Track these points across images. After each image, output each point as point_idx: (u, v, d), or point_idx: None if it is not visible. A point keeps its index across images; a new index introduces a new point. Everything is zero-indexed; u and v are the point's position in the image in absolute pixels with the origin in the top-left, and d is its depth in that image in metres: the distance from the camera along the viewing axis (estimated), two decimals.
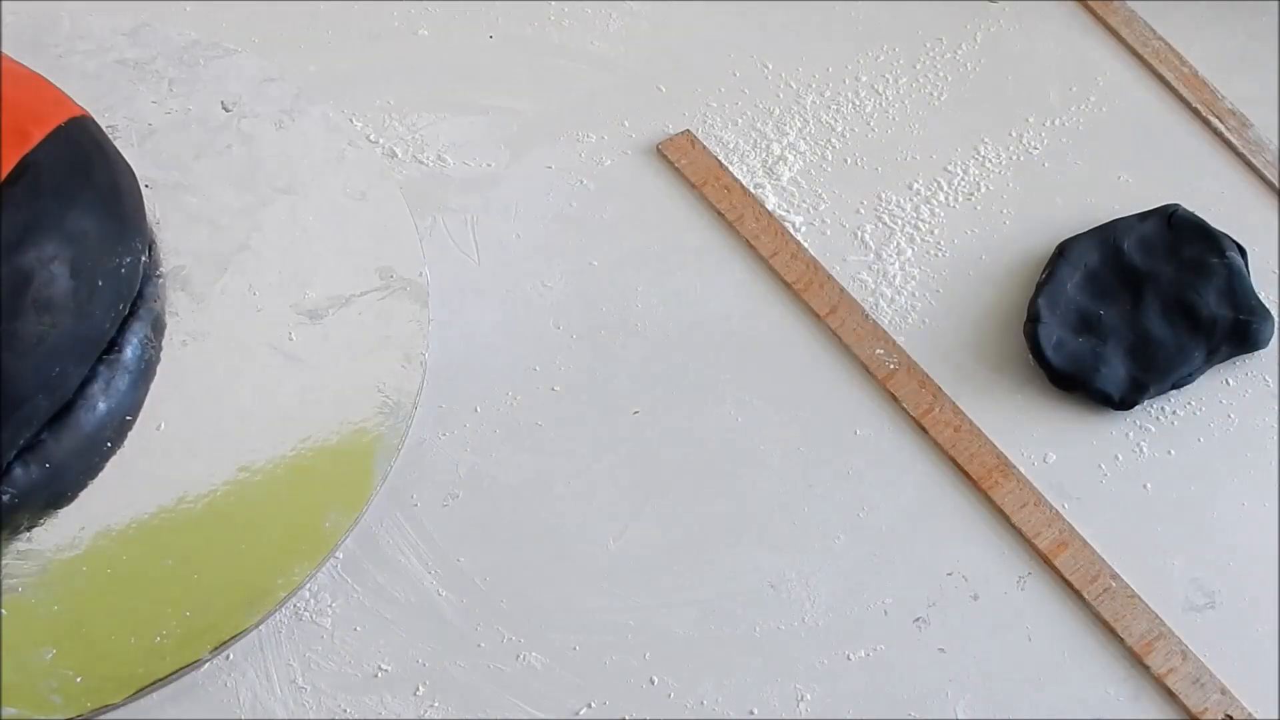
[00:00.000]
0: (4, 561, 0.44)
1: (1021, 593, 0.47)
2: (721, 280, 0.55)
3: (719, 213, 0.57)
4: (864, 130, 0.61)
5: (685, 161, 0.58)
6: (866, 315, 0.54)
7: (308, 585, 0.45)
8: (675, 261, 0.55)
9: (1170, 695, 0.44)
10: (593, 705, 0.43)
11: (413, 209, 0.54)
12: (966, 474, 0.49)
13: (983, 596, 0.47)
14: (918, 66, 0.63)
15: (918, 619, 0.46)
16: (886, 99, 0.62)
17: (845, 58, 0.63)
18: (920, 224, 0.57)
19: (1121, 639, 0.45)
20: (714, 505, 0.48)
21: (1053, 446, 0.50)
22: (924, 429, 0.50)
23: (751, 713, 0.43)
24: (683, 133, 0.59)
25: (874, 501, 0.49)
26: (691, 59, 0.63)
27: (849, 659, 0.45)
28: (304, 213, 0.54)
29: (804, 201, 0.57)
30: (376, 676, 0.43)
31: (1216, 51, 0.64)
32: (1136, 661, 0.45)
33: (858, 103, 0.62)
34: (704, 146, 0.59)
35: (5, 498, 0.45)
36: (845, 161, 0.59)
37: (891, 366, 0.52)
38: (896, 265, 0.56)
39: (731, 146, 0.59)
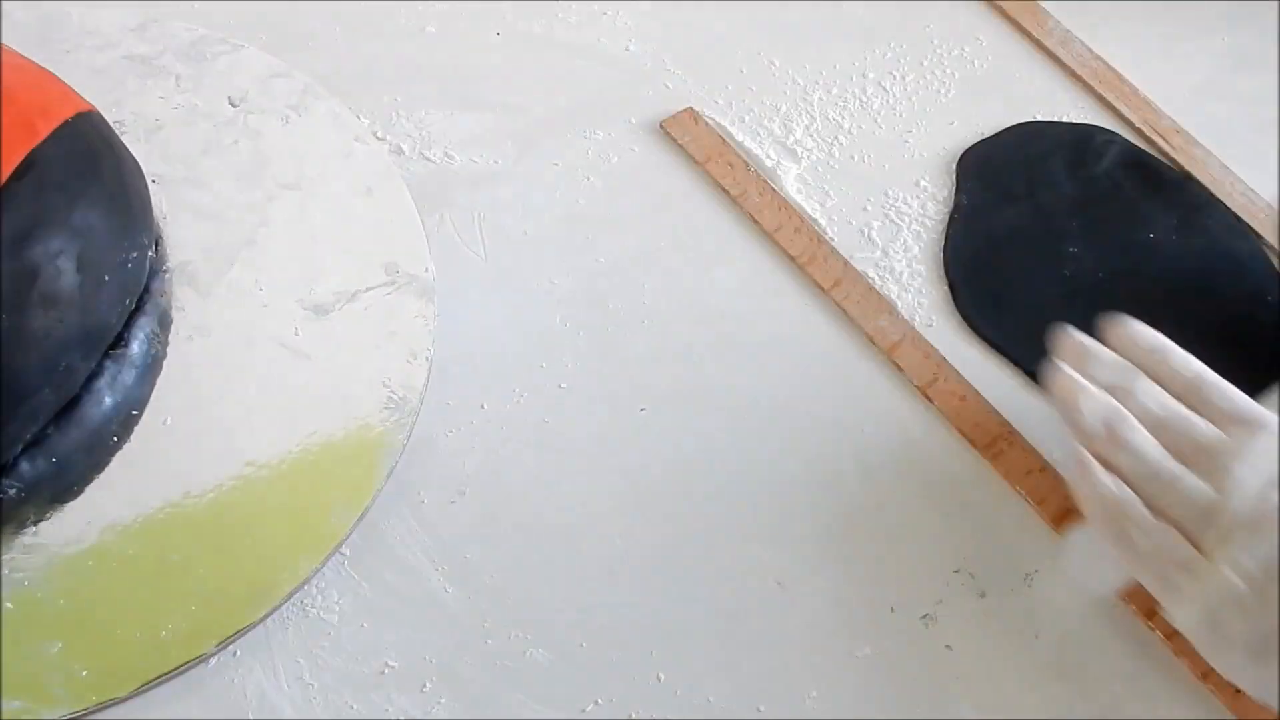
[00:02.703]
0: (10, 555, 0.44)
1: (1029, 590, 0.46)
2: (727, 264, 0.55)
3: (724, 190, 0.57)
4: (871, 127, 0.60)
5: (689, 139, 0.58)
6: (871, 287, 0.54)
7: (314, 581, 0.45)
8: (682, 256, 0.55)
9: (1175, 656, 0.45)
10: (599, 702, 0.43)
11: (419, 205, 0.54)
12: (972, 442, 0.49)
13: (990, 594, 0.46)
14: (925, 63, 0.63)
15: (924, 616, 0.46)
16: (894, 96, 0.62)
17: (852, 55, 0.64)
18: (927, 220, 0.57)
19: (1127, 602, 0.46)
20: (721, 502, 0.48)
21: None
22: (929, 399, 0.51)
23: (758, 710, 0.43)
24: (685, 110, 0.60)
25: (881, 499, 0.49)
26: (698, 56, 0.63)
27: (856, 656, 0.45)
28: (310, 208, 0.54)
29: (811, 198, 0.57)
30: (383, 673, 0.43)
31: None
32: (1145, 630, 0.45)
33: (864, 99, 0.62)
34: (707, 123, 0.59)
35: (12, 492, 0.45)
36: (852, 158, 0.59)
37: (895, 338, 0.52)
38: (904, 262, 0.55)
39: (738, 142, 0.59)
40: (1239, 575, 0.39)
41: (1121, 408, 0.44)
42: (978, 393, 0.51)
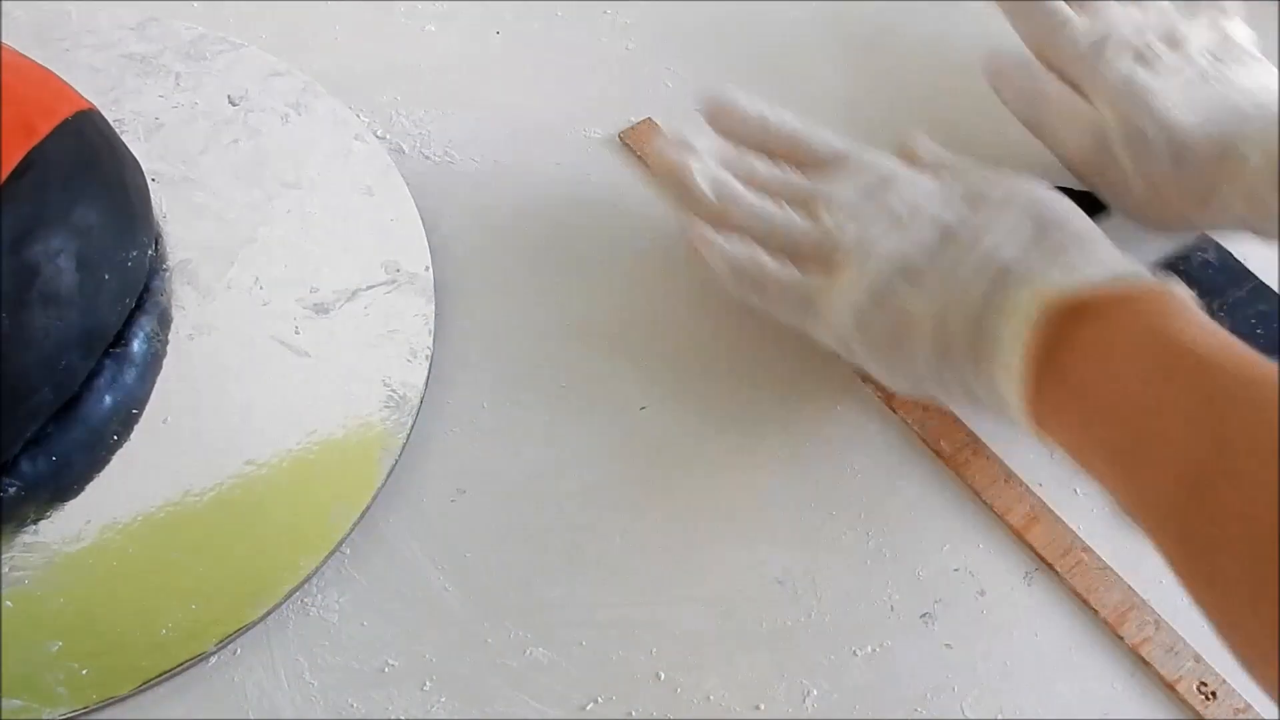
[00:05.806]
0: (10, 554, 0.44)
1: (1028, 588, 0.46)
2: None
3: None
4: (869, 125, 0.60)
5: (648, 149, 0.58)
6: None
7: (314, 580, 0.45)
8: (683, 254, 0.55)
9: (1144, 664, 0.44)
10: (599, 701, 0.43)
11: (419, 204, 0.54)
12: (937, 452, 0.49)
13: (989, 592, 0.46)
14: (913, 64, 0.64)
15: (924, 615, 0.46)
16: (896, 94, 0.62)
17: (855, 55, 0.64)
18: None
19: (1096, 610, 0.46)
20: (721, 501, 0.48)
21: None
22: (894, 409, 0.50)
23: (758, 708, 0.43)
24: (644, 120, 0.59)
25: (879, 497, 0.49)
26: (699, 54, 0.63)
27: (855, 655, 0.45)
28: (310, 207, 0.54)
29: None
30: (383, 671, 0.43)
31: None
32: (1112, 633, 0.45)
33: (868, 99, 0.62)
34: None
35: (12, 490, 0.45)
36: None
37: None
38: None
39: None
40: (861, 278, 0.45)
41: (726, 173, 0.50)
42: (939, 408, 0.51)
